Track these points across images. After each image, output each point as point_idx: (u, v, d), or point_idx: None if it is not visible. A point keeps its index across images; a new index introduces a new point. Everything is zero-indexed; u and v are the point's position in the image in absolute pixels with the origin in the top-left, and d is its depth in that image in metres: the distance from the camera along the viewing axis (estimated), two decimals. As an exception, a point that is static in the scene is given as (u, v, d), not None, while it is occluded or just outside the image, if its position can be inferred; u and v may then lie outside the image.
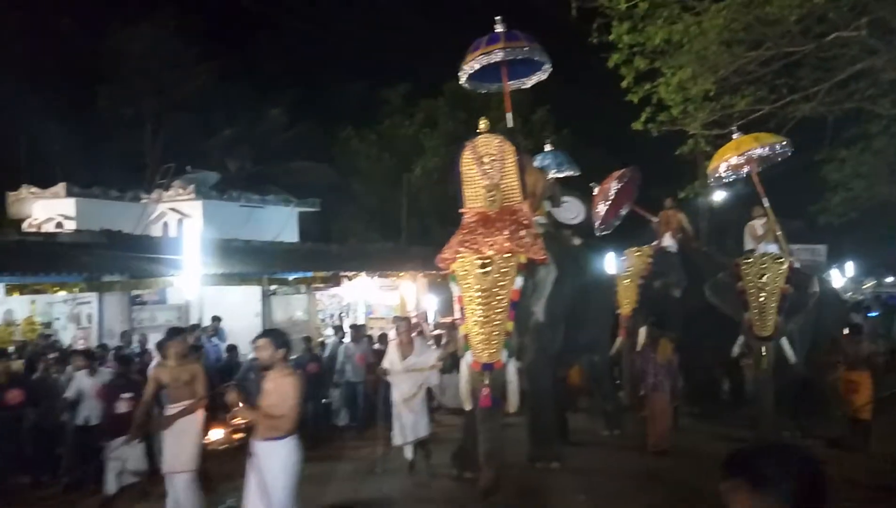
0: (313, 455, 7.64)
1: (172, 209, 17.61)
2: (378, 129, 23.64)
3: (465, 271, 5.95)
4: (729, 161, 9.00)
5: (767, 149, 8.89)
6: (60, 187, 16.72)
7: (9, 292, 10.71)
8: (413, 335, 7.39)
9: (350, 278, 13.66)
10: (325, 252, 16.00)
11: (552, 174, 11.07)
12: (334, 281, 13.53)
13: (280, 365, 4.26)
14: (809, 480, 1.64)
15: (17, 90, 18.27)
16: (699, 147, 10.84)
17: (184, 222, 17.25)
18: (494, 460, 5.78)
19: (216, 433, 4.65)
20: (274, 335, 4.42)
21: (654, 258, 9.16)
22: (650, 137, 10.57)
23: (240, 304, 13.03)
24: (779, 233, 8.97)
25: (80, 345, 10.85)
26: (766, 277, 7.84)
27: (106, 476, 6.32)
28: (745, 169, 9.13)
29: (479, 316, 5.81)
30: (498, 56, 7.58)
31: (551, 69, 8.32)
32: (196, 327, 10.84)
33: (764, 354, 7.72)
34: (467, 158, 6.38)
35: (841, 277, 18.33)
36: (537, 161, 11.32)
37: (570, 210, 8.74)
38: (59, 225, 16.10)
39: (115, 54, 20.97)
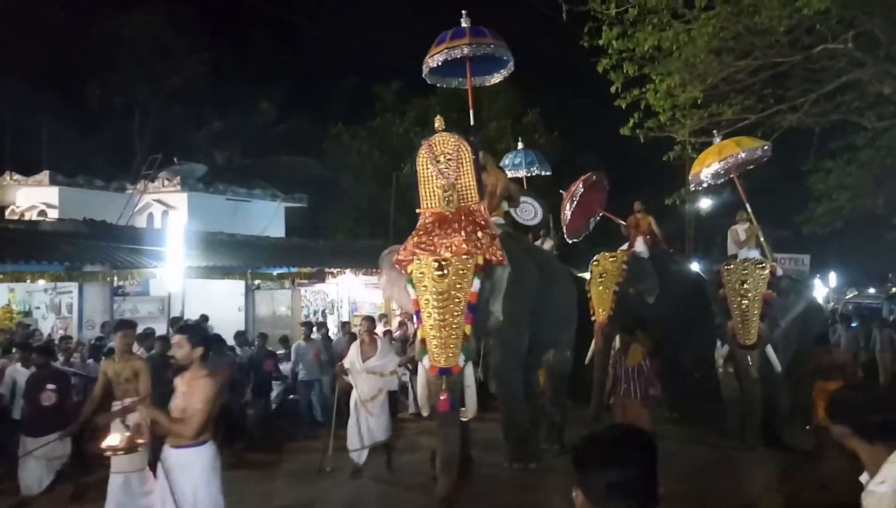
0: (270, 459, 7.61)
1: (157, 201, 17.49)
2: (369, 126, 23.55)
3: (422, 273, 5.83)
4: (711, 166, 8.94)
5: (749, 153, 8.83)
6: (44, 175, 16.56)
7: (-12, 279, 10.57)
8: (377, 335, 7.22)
9: (335, 275, 13.60)
10: (310, 248, 15.91)
11: (522, 173, 10.97)
12: (319, 277, 13.45)
13: (197, 365, 3.90)
14: None
15: (5, 77, 18.04)
16: (686, 154, 10.89)
17: (169, 214, 17.15)
18: (452, 467, 5.68)
19: (113, 438, 4.16)
20: (190, 331, 4.10)
21: (627, 264, 8.84)
22: (640, 142, 10.60)
23: (223, 298, 12.94)
24: (762, 238, 8.92)
25: (59, 335, 10.73)
26: (747, 283, 7.75)
27: (28, 474, 5.92)
28: (728, 174, 9.09)
29: (436, 319, 5.68)
30: (463, 51, 7.40)
31: (514, 68, 8.16)
32: (178, 319, 10.73)
33: (750, 364, 7.62)
34: (423, 157, 6.26)
35: (823, 287, 18.52)
36: (507, 159, 11.20)
37: (528, 211, 8.52)
38: (41, 213, 15.93)
39: (107, 42, 20.75)
